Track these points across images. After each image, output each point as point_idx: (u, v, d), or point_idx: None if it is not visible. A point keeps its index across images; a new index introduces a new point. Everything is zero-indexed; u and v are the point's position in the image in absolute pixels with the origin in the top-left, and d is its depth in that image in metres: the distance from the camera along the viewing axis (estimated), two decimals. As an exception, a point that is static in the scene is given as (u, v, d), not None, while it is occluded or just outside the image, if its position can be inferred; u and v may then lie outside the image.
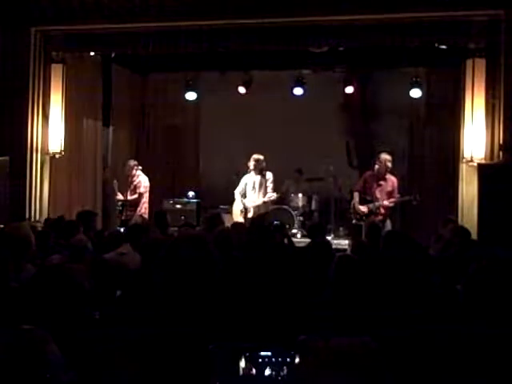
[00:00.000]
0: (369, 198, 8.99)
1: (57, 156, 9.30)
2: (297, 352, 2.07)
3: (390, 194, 8.91)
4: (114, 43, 9.11)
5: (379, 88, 11.58)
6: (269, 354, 2.05)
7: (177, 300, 2.33)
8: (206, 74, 11.52)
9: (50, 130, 9.15)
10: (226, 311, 2.47)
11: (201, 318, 2.31)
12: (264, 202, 9.13)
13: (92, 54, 9.95)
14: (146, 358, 2.24)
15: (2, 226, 5.68)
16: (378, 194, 8.92)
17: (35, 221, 8.55)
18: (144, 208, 9.81)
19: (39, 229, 6.76)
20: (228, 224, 8.23)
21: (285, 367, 2.04)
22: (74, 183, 10.10)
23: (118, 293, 4.01)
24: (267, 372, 2.04)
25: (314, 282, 4.13)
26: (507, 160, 7.70)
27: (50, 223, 7.06)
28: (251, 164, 9.18)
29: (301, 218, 10.88)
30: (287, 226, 8.74)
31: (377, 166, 8.94)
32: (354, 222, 9.06)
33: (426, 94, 10.61)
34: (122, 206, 9.93)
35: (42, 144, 9.05)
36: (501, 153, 7.85)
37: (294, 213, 10.75)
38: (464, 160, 8.33)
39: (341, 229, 10.88)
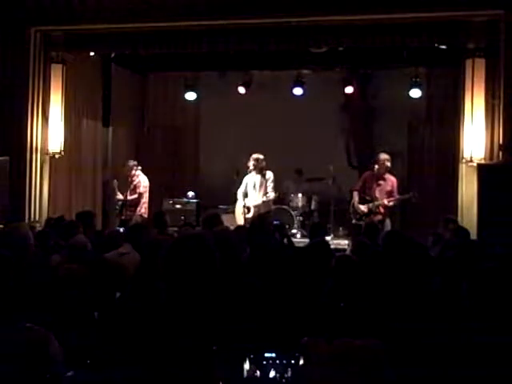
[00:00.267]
0: (368, 197, 8.99)
1: (57, 156, 9.30)
2: (300, 353, 2.08)
3: (389, 194, 8.91)
4: (113, 43, 9.11)
5: (379, 88, 11.58)
6: (273, 355, 2.05)
7: (178, 300, 2.33)
8: (206, 74, 11.52)
9: (50, 130, 9.15)
10: (227, 311, 2.47)
11: (202, 317, 2.31)
12: (263, 202, 9.12)
13: (92, 53, 9.95)
14: (151, 359, 2.24)
15: (1, 226, 5.69)
16: (377, 194, 8.93)
17: (34, 221, 8.55)
18: (144, 208, 9.81)
19: (38, 229, 6.76)
20: (228, 224, 8.26)
21: (289, 369, 2.05)
22: (74, 183, 10.10)
23: (118, 293, 4.02)
24: (271, 373, 2.04)
25: (313, 282, 4.12)
26: (507, 160, 7.69)
27: (51, 223, 7.06)
28: (251, 164, 9.18)
29: (300, 218, 10.88)
30: (287, 226, 8.74)
31: (376, 166, 8.95)
32: (353, 221, 9.07)
33: (426, 94, 10.61)
34: (121, 205, 9.92)
35: (41, 144, 9.05)
36: (500, 153, 7.85)
37: (293, 213, 10.75)
38: (464, 160, 8.32)
39: (340, 229, 10.88)
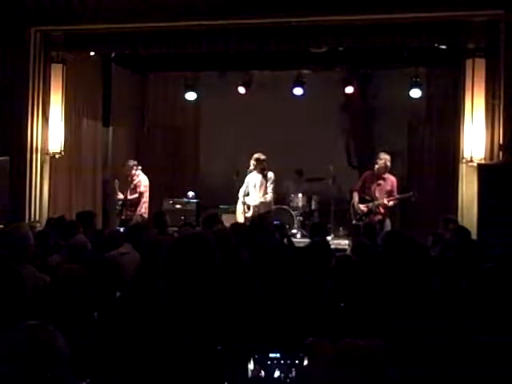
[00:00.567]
0: (368, 197, 8.99)
1: (57, 156, 9.30)
2: (305, 354, 2.08)
3: (389, 194, 8.92)
4: (113, 43, 9.11)
5: (379, 88, 11.58)
6: (277, 355, 2.06)
7: (179, 300, 2.33)
8: (206, 74, 11.52)
9: (50, 130, 9.15)
10: (228, 311, 2.47)
11: (204, 317, 2.31)
12: (261, 202, 9.12)
13: (92, 53, 9.95)
14: (155, 359, 2.24)
15: (1, 226, 5.69)
16: (377, 194, 8.93)
17: (35, 221, 8.55)
18: (144, 208, 9.81)
19: (39, 229, 6.77)
20: (228, 224, 8.26)
21: (293, 369, 2.05)
22: (74, 183, 10.10)
23: (118, 293, 4.02)
24: (276, 374, 2.05)
25: (314, 282, 4.13)
26: (507, 160, 7.70)
27: (52, 223, 7.06)
28: (252, 163, 9.18)
29: (301, 218, 10.88)
30: (287, 226, 8.74)
31: (376, 166, 8.95)
32: (353, 222, 9.06)
33: (426, 94, 10.61)
34: (121, 205, 9.92)
35: (42, 144, 9.05)
36: (501, 153, 7.85)
37: (293, 213, 10.75)
38: (464, 160, 8.32)
39: (341, 229, 10.87)
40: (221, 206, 10.63)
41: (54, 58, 9.17)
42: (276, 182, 9.46)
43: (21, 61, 8.81)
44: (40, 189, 9.04)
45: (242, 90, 11.38)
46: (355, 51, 9.61)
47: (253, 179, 9.26)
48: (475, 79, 8.12)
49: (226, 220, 8.20)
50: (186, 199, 11.03)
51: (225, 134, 11.62)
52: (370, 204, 8.94)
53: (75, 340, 2.64)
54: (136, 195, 9.79)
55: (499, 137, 7.88)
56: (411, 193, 8.96)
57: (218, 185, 11.71)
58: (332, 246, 6.27)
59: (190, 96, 11.42)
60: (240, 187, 9.41)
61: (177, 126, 12.53)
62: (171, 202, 10.85)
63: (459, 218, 8.01)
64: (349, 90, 11.39)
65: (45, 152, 9.11)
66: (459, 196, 8.44)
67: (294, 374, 2.05)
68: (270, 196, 9.18)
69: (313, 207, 11.20)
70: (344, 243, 8.91)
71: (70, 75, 9.52)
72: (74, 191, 10.06)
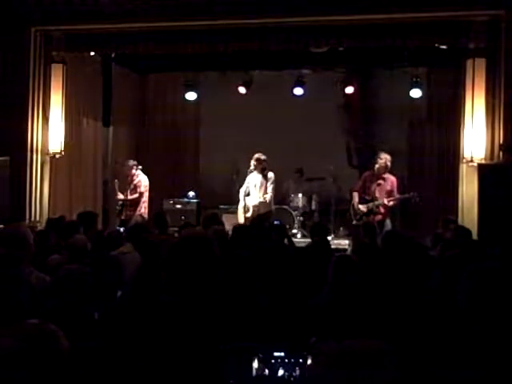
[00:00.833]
0: (368, 197, 8.99)
1: (57, 156, 9.30)
2: (309, 353, 2.09)
3: (389, 193, 8.91)
4: (113, 43, 9.11)
5: (379, 88, 11.58)
6: (281, 354, 2.07)
7: (181, 300, 2.33)
8: (206, 74, 11.51)
9: (50, 130, 9.14)
10: (229, 311, 2.47)
11: (207, 316, 2.31)
12: (260, 202, 9.12)
13: (92, 53, 9.95)
14: (160, 358, 2.24)
15: (1, 226, 5.68)
16: (377, 193, 8.92)
17: (35, 221, 8.55)
18: (144, 207, 9.80)
19: (38, 229, 6.76)
20: (228, 224, 8.26)
21: (297, 368, 2.06)
22: (74, 183, 10.10)
23: (119, 293, 4.02)
24: (280, 372, 2.06)
25: (314, 281, 4.13)
26: (507, 160, 7.69)
27: (52, 223, 7.06)
28: (252, 163, 9.18)
29: (301, 218, 10.87)
30: (287, 226, 8.74)
31: (377, 166, 8.94)
32: (354, 222, 9.06)
33: (426, 94, 10.61)
34: (121, 205, 9.92)
35: (42, 144, 9.04)
36: (501, 153, 7.85)
37: (294, 213, 10.74)
38: (464, 160, 8.32)
39: (341, 229, 10.87)
40: (221, 206, 10.63)
41: (54, 57, 9.17)
42: (276, 182, 9.46)
43: (21, 61, 8.81)
44: (40, 189, 9.04)
45: (242, 89, 11.38)
46: (355, 51, 9.60)
47: (253, 179, 9.26)
48: (475, 79, 8.12)
49: (226, 220, 8.20)
50: (186, 199, 11.03)
51: (225, 134, 11.61)
52: (370, 204, 8.93)
53: (75, 340, 2.64)
54: (136, 195, 9.78)
55: (499, 137, 7.87)
56: (412, 194, 8.95)
57: (218, 185, 11.72)
58: (332, 246, 6.27)
59: (190, 96, 11.42)
60: (240, 187, 9.41)
61: (177, 126, 12.52)
62: (171, 202, 10.86)
63: (459, 218, 8.02)
64: (349, 89, 11.38)
65: (45, 152, 9.11)
66: (459, 196, 8.44)
67: (297, 372, 2.06)
68: (269, 196, 9.18)
69: (313, 207, 11.19)
70: (344, 243, 8.91)
71: (71, 75, 9.51)
72: (74, 191, 10.06)
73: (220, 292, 2.42)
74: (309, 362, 2.08)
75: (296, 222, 10.70)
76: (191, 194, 11.17)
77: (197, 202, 10.93)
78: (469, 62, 8.29)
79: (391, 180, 8.99)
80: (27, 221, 8.31)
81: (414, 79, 10.26)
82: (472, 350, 2.63)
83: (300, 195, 10.98)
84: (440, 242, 5.72)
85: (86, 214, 7.25)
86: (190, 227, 6.78)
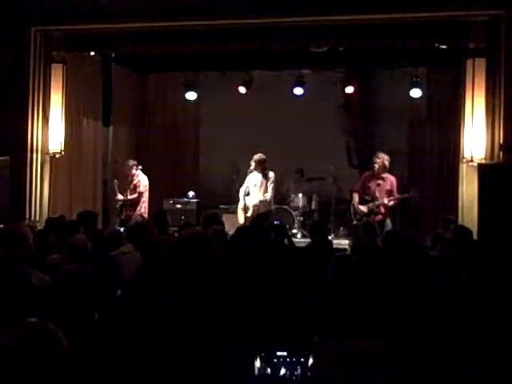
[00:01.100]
0: (368, 197, 8.99)
1: (57, 156, 9.30)
2: (311, 353, 2.09)
3: (389, 193, 8.92)
4: (113, 43, 9.11)
5: (379, 88, 11.58)
6: (284, 353, 2.08)
7: (181, 299, 2.33)
8: (206, 74, 11.51)
9: (50, 130, 9.14)
10: (229, 310, 2.47)
11: (205, 317, 2.31)
12: (260, 202, 9.12)
13: (92, 53, 9.95)
14: (160, 358, 2.24)
15: (1, 226, 5.68)
16: (377, 193, 8.93)
17: (34, 221, 8.55)
18: (144, 207, 9.80)
19: (39, 228, 6.76)
20: (228, 224, 8.26)
21: (298, 367, 2.07)
22: (74, 183, 10.10)
23: (119, 292, 4.02)
24: (281, 372, 2.07)
25: (314, 281, 4.12)
26: (507, 160, 7.69)
27: (51, 223, 7.05)
28: (253, 163, 9.17)
29: (301, 218, 10.87)
30: (287, 226, 8.74)
31: (376, 166, 8.94)
32: (354, 222, 9.05)
33: (426, 94, 10.60)
34: (121, 205, 9.92)
35: (42, 144, 9.04)
36: (501, 153, 7.85)
37: (294, 213, 10.74)
38: (464, 160, 8.33)
39: (341, 229, 10.87)
40: (221, 206, 10.63)
41: (54, 57, 9.17)
42: (276, 182, 9.46)
43: (21, 61, 8.81)
44: (40, 189, 9.04)
45: (242, 89, 11.39)
46: (355, 51, 9.60)
47: (253, 179, 9.26)
48: (476, 79, 8.12)
49: (226, 220, 8.20)
50: (186, 199, 11.03)
51: (225, 134, 11.61)
52: (371, 204, 8.94)
53: (75, 340, 2.64)
54: (136, 195, 9.78)
55: (499, 137, 7.87)
56: (411, 193, 8.96)
57: (218, 185, 11.72)
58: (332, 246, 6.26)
59: (190, 96, 11.42)
60: (240, 187, 9.41)
61: (177, 126, 12.52)
62: (171, 201, 10.85)
63: (459, 218, 8.02)
64: (349, 89, 11.38)
65: (45, 152, 9.11)
66: (459, 196, 8.44)
67: (299, 372, 2.07)
68: (269, 195, 9.17)
69: (313, 207, 11.19)
70: (344, 243, 8.90)
71: (71, 75, 9.51)
72: (74, 191, 10.06)
73: (220, 292, 2.42)
74: (310, 361, 2.08)
75: (296, 221, 10.69)
76: (191, 193, 11.16)
77: (197, 202, 10.93)
78: (469, 62, 8.29)
79: (390, 180, 9.00)
80: (27, 220, 8.30)
81: (414, 79, 10.26)
82: (472, 349, 2.63)
83: (300, 195, 10.98)
84: (440, 241, 5.72)
85: (86, 213, 7.24)
86: (190, 227, 6.78)
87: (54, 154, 9.24)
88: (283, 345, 2.14)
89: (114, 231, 6.81)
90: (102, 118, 10.86)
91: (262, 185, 9.20)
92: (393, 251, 4.81)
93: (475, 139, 8.13)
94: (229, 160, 11.12)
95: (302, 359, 2.08)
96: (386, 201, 8.84)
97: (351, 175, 11.10)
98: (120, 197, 9.83)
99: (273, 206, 9.51)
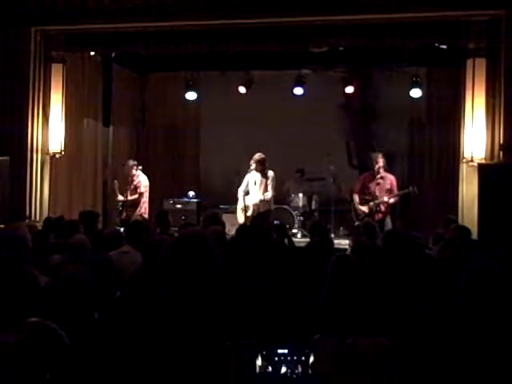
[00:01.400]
0: (368, 197, 9.01)
1: (57, 156, 9.30)
2: (311, 351, 2.10)
3: (389, 192, 8.95)
4: (113, 43, 9.12)
5: (379, 88, 11.58)
6: (285, 351, 2.08)
7: (181, 299, 2.34)
8: (206, 74, 11.51)
9: (50, 130, 9.15)
10: (230, 309, 2.47)
11: (205, 315, 2.32)
12: (261, 201, 9.11)
13: (92, 53, 9.95)
14: (160, 358, 2.24)
15: (2, 226, 5.69)
16: (377, 192, 8.96)
17: (34, 220, 8.55)
18: (144, 208, 9.80)
19: (39, 228, 6.75)
20: (228, 223, 8.26)
21: (299, 365, 2.08)
22: (74, 183, 10.11)
23: (118, 293, 4.02)
24: (283, 370, 2.07)
25: (315, 281, 4.12)
26: (507, 160, 7.69)
27: (50, 223, 7.05)
28: (252, 163, 9.17)
29: (301, 218, 10.87)
30: (287, 226, 8.73)
31: (377, 166, 8.99)
32: (356, 223, 9.04)
33: (426, 94, 10.61)
34: (121, 205, 9.92)
35: (42, 144, 9.04)
36: (501, 153, 7.85)
37: (294, 213, 10.75)
38: (464, 160, 8.33)
39: (341, 228, 10.87)
40: (221, 206, 10.63)
41: (54, 57, 9.17)
42: (277, 182, 9.46)
43: (21, 61, 8.81)
44: (40, 189, 9.04)
45: (242, 89, 11.39)
46: (355, 51, 9.61)
47: (253, 177, 9.26)
48: (476, 79, 8.12)
49: (226, 220, 8.20)
50: (186, 199, 11.03)
51: (225, 134, 11.62)
52: (371, 203, 8.95)
53: (75, 340, 2.64)
54: (136, 196, 9.79)
55: (500, 137, 7.87)
56: (410, 188, 8.99)
57: (218, 185, 11.72)
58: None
59: (191, 96, 11.42)
60: (239, 186, 9.41)
61: (177, 126, 12.52)
62: (171, 201, 10.86)
63: (460, 218, 8.03)
64: (349, 89, 11.38)
65: (45, 152, 9.11)
66: (460, 196, 8.45)
67: (300, 370, 2.08)
68: (270, 194, 9.17)
69: (313, 207, 11.20)
70: (344, 243, 8.90)
71: (71, 75, 9.52)
72: (74, 191, 10.07)
73: (220, 290, 2.42)
74: (311, 359, 2.09)
75: (296, 221, 10.70)
76: (191, 193, 11.17)
77: (197, 202, 10.94)
78: (469, 62, 8.29)
79: (390, 178, 9.04)
80: (27, 220, 8.30)
81: (414, 79, 10.26)
82: (472, 349, 2.63)
83: (300, 195, 10.98)
84: (441, 241, 5.72)
85: (87, 213, 7.25)
86: (190, 227, 6.78)
87: (54, 153, 9.24)
88: (284, 343, 2.14)
89: (114, 231, 6.82)
90: (102, 118, 10.87)
91: (261, 184, 9.20)
92: (392, 251, 4.80)
93: (475, 139, 8.13)
94: (229, 160, 11.12)
95: (303, 357, 2.08)
96: (385, 198, 8.86)
97: (351, 175, 11.10)
98: (120, 197, 9.83)
99: (272, 206, 9.51)
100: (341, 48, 9.13)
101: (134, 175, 9.88)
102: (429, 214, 10.23)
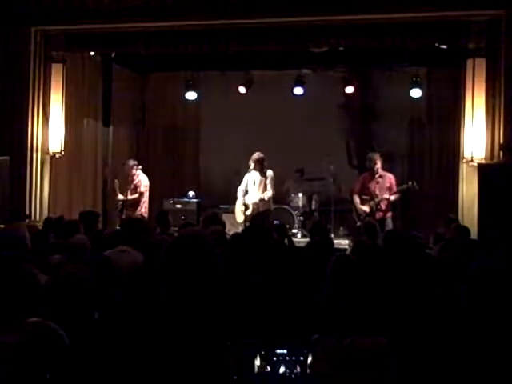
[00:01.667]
0: (369, 197, 9.01)
1: (57, 156, 9.31)
2: (310, 350, 2.10)
3: (389, 190, 8.96)
4: (113, 43, 9.12)
5: (379, 88, 11.58)
6: (284, 351, 2.08)
7: (180, 299, 2.34)
8: (206, 74, 11.50)
9: (50, 129, 9.15)
10: (230, 309, 2.47)
11: (204, 315, 2.32)
12: (260, 200, 9.11)
13: (92, 53, 9.95)
14: (164, 356, 2.24)
15: (2, 225, 5.69)
16: (377, 191, 8.96)
17: (34, 220, 8.55)
18: (144, 207, 9.81)
19: (39, 228, 6.75)
20: (228, 223, 8.26)
21: (297, 365, 2.08)
22: (74, 183, 10.11)
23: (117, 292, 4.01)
24: (281, 369, 2.08)
25: (314, 281, 4.12)
26: (507, 160, 7.69)
27: (50, 223, 7.05)
28: (251, 163, 9.17)
29: (301, 218, 10.87)
30: (287, 226, 8.73)
31: (376, 166, 8.99)
32: (358, 224, 9.04)
33: (426, 94, 10.61)
34: (122, 205, 9.92)
35: (42, 144, 9.05)
36: (501, 153, 7.85)
37: (294, 213, 10.74)
38: (464, 160, 8.33)
39: (341, 228, 10.87)
40: (221, 206, 10.63)
41: (54, 57, 9.17)
42: (276, 182, 9.46)
43: (21, 61, 8.81)
44: (40, 189, 9.04)
45: (242, 89, 11.39)
46: (355, 51, 9.61)
47: (252, 177, 9.26)
48: (476, 79, 8.12)
49: (227, 220, 8.20)
50: (186, 199, 11.03)
51: (225, 134, 11.62)
52: (371, 202, 8.96)
53: (75, 340, 2.64)
54: (136, 195, 9.79)
55: (500, 137, 7.87)
56: (410, 183, 9.00)
57: (218, 185, 11.71)
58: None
59: (191, 96, 11.42)
60: (239, 186, 9.41)
61: (177, 126, 12.52)
62: (171, 201, 10.86)
63: (460, 218, 8.02)
64: (349, 89, 11.38)
65: (45, 152, 9.12)
66: (460, 196, 8.45)
67: (298, 369, 2.08)
68: (270, 193, 9.16)
69: (313, 207, 11.19)
70: (344, 243, 8.89)
71: (71, 75, 9.52)
72: (74, 191, 10.07)
73: (219, 289, 2.42)
74: (309, 359, 2.09)
75: (296, 221, 10.70)
76: (191, 193, 11.17)
77: (197, 202, 10.94)
78: (469, 62, 8.29)
79: (389, 177, 9.06)
80: (27, 220, 8.30)
81: (414, 79, 10.25)
82: (472, 349, 2.63)
83: (300, 195, 10.98)
84: (441, 241, 5.72)
85: (88, 213, 7.25)
86: (190, 227, 6.78)
87: (54, 153, 9.24)
88: (283, 342, 2.14)
89: (114, 231, 6.81)
90: (102, 118, 10.87)
91: (260, 183, 9.19)
92: (393, 251, 4.80)
93: (475, 139, 8.13)
94: (229, 160, 11.12)
95: (302, 357, 2.08)
96: (386, 195, 8.86)
97: (351, 175, 11.10)
98: (121, 197, 9.83)
99: (272, 205, 9.51)
100: (341, 48, 9.13)
101: (134, 175, 9.88)
102: (429, 213, 10.23)
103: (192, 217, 10.33)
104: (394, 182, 9.05)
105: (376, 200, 8.90)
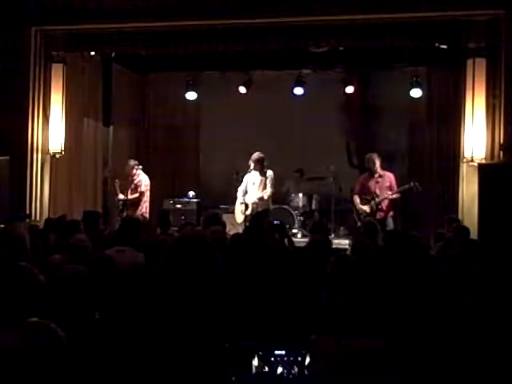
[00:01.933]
0: (369, 197, 9.01)
1: (57, 156, 9.31)
2: (308, 351, 2.10)
3: (389, 189, 8.96)
4: (113, 43, 9.12)
5: (379, 88, 11.57)
6: (282, 352, 2.08)
7: (180, 300, 2.34)
8: (206, 74, 11.51)
9: (50, 130, 9.15)
10: (228, 309, 2.47)
11: (204, 316, 2.32)
12: (259, 198, 9.11)
13: (92, 53, 9.95)
14: (164, 355, 2.24)
15: (2, 225, 5.68)
16: (377, 191, 8.96)
17: (34, 220, 8.55)
18: (145, 207, 9.82)
19: (39, 228, 6.76)
20: (228, 223, 8.25)
21: (295, 366, 2.07)
22: (74, 183, 10.10)
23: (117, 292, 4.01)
24: (279, 370, 2.07)
25: (314, 281, 4.13)
26: (507, 160, 7.69)
27: (50, 223, 7.05)
28: (251, 162, 9.17)
29: (301, 218, 10.87)
30: (287, 226, 8.73)
31: (375, 166, 8.99)
32: (358, 224, 9.04)
33: (426, 93, 10.61)
34: (122, 204, 9.93)
35: (42, 144, 9.05)
36: (501, 153, 7.85)
37: (294, 213, 10.74)
38: (464, 160, 8.33)
39: (341, 228, 10.87)
40: (221, 206, 10.63)
41: (55, 57, 9.17)
42: (276, 182, 9.46)
43: (21, 61, 8.81)
44: (41, 189, 9.05)
45: (242, 89, 11.39)
46: (355, 51, 9.61)
47: (252, 177, 9.26)
48: (476, 79, 8.12)
49: (226, 220, 8.20)
50: (186, 199, 11.03)
51: (225, 134, 11.61)
52: (372, 202, 8.96)
53: (75, 340, 2.64)
54: (137, 195, 9.80)
55: (500, 136, 7.88)
56: (412, 183, 9.00)
57: (218, 185, 11.71)
58: (332, 246, 6.26)
59: (191, 96, 11.42)
60: (239, 186, 9.41)
61: (177, 126, 12.52)
62: (171, 201, 10.86)
63: (460, 218, 8.02)
64: (349, 89, 11.39)
65: (45, 152, 9.12)
66: (460, 196, 8.45)
67: (296, 370, 2.08)
68: (269, 192, 9.16)
69: (313, 207, 11.19)
70: (344, 243, 8.90)
71: (71, 75, 9.52)
72: (74, 191, 10.07)
73: (219, 291, 2.42)
74: (307, 360, 2.09)
75: (296, 221, 10.69)
76: (191, 193, 11.17)
77: (197, 202, 10.94)
78: (469, 62, 8.29)
79: (389, 176, 9.06)
80: (27, 220, 8.30)
81: (414, 79, 10.27)
82: (474, 349, 2.63)
83: (300, 195, 10.98)
84: (442, 241, 5.73)
85: (89, 213, 7.25)
86: (190, 227, 6.79)
87: (54, 153, 9.25)
88: (281, 343, 2.14)
89: (113, 231, 6.81)
90: (102, 118, 10.86)
91: (260, 183, 9.20)
92: (393, 251, 4.80)
93: (475, 139, 8.13)
94: (229, 160, 11.11)
95: (300, 358, 2.08)
96: (388, 193, 8.86)
97: (351, 175, 11.10)
98: (121, 196, 9.84)
99: (271, 204, 9.50)
100: (341, 48, 9.13)
101: (135, 174, 9.89)
102: (429, 213, 10.23)
103: (192, 217, 10.34)
104: (393, 180, 9.05)
105: (377, 200, 8.90)
